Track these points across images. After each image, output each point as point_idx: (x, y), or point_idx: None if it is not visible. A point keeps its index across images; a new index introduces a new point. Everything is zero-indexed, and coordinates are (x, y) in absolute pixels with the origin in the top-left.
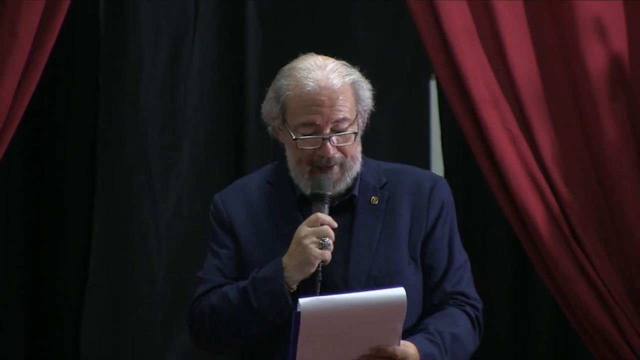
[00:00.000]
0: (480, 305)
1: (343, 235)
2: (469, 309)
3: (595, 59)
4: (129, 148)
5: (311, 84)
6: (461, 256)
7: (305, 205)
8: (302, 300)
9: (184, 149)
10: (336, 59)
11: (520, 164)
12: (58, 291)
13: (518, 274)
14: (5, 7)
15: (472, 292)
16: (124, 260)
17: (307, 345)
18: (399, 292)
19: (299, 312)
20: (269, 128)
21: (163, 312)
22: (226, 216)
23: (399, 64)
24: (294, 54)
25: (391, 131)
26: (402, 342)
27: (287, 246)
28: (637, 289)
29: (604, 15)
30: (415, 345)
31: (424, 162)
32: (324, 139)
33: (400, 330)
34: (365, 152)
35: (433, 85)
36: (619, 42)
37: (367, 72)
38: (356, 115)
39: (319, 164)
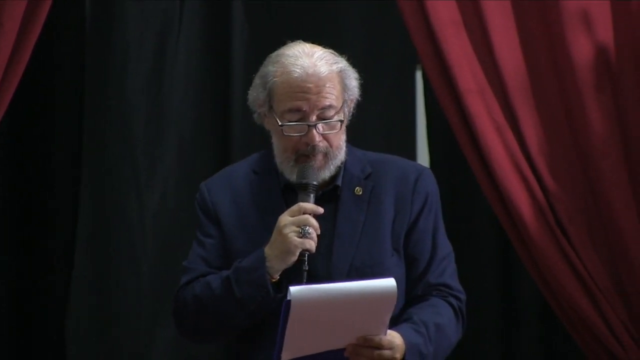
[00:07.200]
0: (463, 297)
1: (326, 226)
2: (452, 299)
3: (581, 50)
4: (114, 141)
5: (298, 70)
6: (445, 247)
7: (290, 194)
8: (293, 289)
9: (170, 141)
10: (323, 47)
11: (505, 153)
12: (43, 283)
13: (504, 264)
14: None
15: (455, 283)
16: (110, 253)
17: (295, 333)
18: (390, 282)
19: (289, 300)
20: (255, 115)
21: (149, 303)
22: (211, 205)
23: (385, 55)
24: (280, 46)
25: (377, 122)
26: (388, 331)
27: (271, 235)
28: (623, 280)
29: (590, 7)
30: (401, 334)
31: (410, 152)
32: (309, 125)
33: (387, 321)
34: (352, 142)
35: (419, 75)
36: (605, 33)
37: (354, 64)
38: (342, 104)
39: (304, 152)
